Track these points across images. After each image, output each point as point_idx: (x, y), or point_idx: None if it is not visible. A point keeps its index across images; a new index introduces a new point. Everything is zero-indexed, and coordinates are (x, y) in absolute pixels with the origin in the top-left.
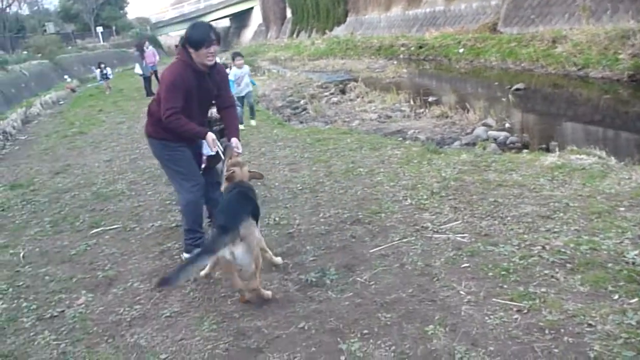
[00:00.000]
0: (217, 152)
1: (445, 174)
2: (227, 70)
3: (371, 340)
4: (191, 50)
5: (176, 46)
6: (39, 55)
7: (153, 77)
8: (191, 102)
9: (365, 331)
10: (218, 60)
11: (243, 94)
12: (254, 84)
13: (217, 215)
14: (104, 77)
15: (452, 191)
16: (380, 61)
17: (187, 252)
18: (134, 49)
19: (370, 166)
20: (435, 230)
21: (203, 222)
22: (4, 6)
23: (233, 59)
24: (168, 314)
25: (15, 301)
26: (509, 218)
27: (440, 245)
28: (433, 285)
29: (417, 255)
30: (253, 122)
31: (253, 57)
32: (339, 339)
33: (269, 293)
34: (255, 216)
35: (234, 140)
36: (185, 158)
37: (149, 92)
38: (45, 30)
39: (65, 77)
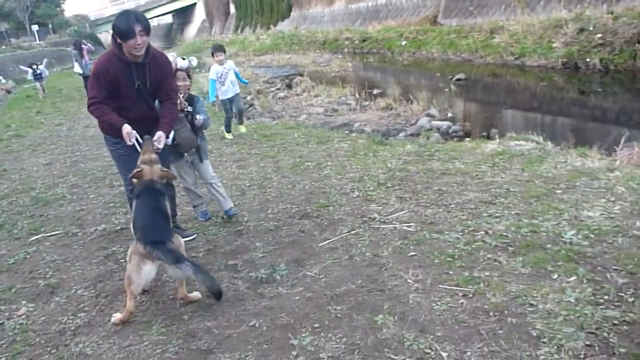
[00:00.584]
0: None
1: (391, 165)
2: (183, 63)
3: (322, 334)
4: (119, 41)
5: None
6: None
7: None
8: (119, 93)
9: (316, 325)
10: (171, 58)
11: (229, 96)
12: (244, 82)
13: (147, 230)
14: (38, 77)
15: (398, 181)
16: (325, 55)
17: None
18: (71, 47)
19: (318, 160)
20: (383, 220)
21: None
22: None
23: (212, 55)
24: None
25: None
26: (452, 205)
27: (387, 235)
28: (381, 275)
29: (366, 246)
30: (243, 129)
31: (198, 54)
32: (290, 335)
33: (197, 294)
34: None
35: (158, 133)
36: (121, 155)
37: None
38: None
39: (0, 77)
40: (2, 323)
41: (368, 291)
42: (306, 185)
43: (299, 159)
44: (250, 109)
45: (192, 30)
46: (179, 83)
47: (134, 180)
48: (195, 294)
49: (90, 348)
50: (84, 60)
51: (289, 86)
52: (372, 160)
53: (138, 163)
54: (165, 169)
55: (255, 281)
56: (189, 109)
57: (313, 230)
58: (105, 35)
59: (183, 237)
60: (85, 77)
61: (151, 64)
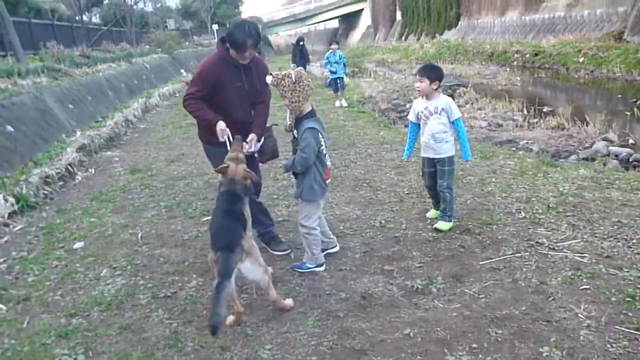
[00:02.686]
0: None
1: (563, 188)
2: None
3: (480, 355)
4: (231, 49)
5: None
6: (159, 49)
7: None
8: (223, 95)
9: (474, 345)
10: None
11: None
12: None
13: (216, 236)
14: None
15: (570, 207)
16: (491, 67)
17: None
18: None
19: (481, 175)
20: (552, 247)
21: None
22: (131, 3)
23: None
24: (272, 307)
25: (133, 278)
26: (634, 241)
27: (556, 264)
28: (548, 305)
29: (531, 271)
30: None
31: (360, 59)
32: (446, 350)
33: (289, 302)
34: (245, 225)
35: (251, 135)
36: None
37: None
38: (166, 27)
39: (182, 71)
40: (176, 292)
41: (533, 319)
42: (468, 199)
43: (461, 172)
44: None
45: (356, 35)
46: (283, 102)
47: (220, 175)
48: (289, 302)
49: (250, 329)
50: None
51: (451, 97)
52: (542, 181)
53: (225, 159)
54: (248, 170)
55: (411, 290)
56: (295, 133)
57: (474, 247)
58: (274, 37)
59: (277, 250)
60: None
61: (253, 68)
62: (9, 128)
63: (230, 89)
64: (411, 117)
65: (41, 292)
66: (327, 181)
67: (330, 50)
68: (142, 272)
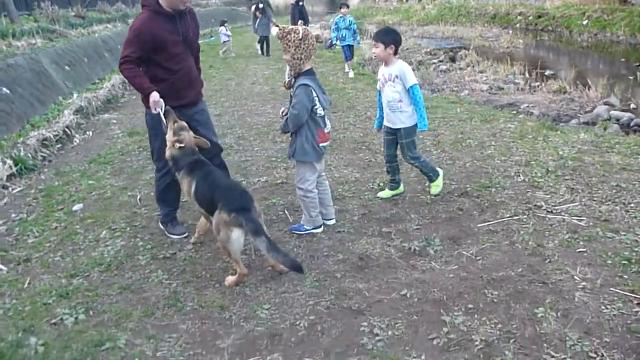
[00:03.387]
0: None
1: (563, 152)
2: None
3: (476, 316)
4: None
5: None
6: None
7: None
8: (166, 51)
9: (470, 306)
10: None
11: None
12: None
13: (228, 197)
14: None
15: (570, 171)
16: (494, 30)
17: (161, 222)
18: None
19: (481, 138)
20: (550, 210)
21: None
22: None
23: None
24: (271, 267)
25: (132, 240)
26: (632, 205)
27: (554, 227)
28: (544, 267)
29: (529, 234)
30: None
31: (360, 20)
32: (442, 310)
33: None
34: None
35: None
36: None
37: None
38: None
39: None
40: (175, 253)
41: (529, 281)
42: (467, 163)
43: (460, 135)
44: None
45: None
46: (284, 56)
47: (178, 147)
48: None
49: (249, 289)
50: (258, 21)
51: (452, 59)
52: (542, 145)
53: (174, 130)
54: (197, 136)
55: (408, 252)
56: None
57: (472, 210)
58: None
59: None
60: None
61: (189, 17)
62: (5, 90)
63: (173, 44)
64: (378, 84)
65: (41, 254)
66: (324, 144)
67: (340, 15)
68: (141, 233)
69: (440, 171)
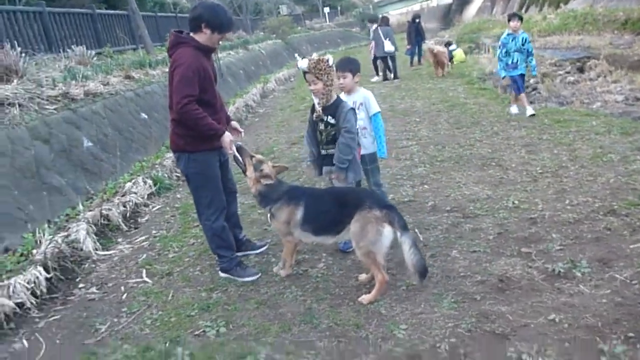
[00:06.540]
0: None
1: None
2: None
3: (638, 345)
4: (206, 31)
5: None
6: (274, 35)
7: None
8: (210, 88)
9: (631, 334)
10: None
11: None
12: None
13: (372, 197)
14: None
15: None
16: (626, 37)
17: (223, 270)
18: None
19: (623, 152)
20: None
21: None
22: None
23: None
24: (405, 287)
25: (265, 256)
26: None
27: None
28: None
29: None
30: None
31: (476, 34)
32: (597, 338)
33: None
34: None
35: (233, 123)
36: (214, 175)
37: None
38: (279, 12)
39: (296, 55)
40: (307, 270)
41: None
42: (610, 179)
43: (599, 150)
44: (533, 92)
45: (472, 10)
46: (310, 87)
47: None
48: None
49: (384, 308)
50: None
51: (580, 70)
52: None
53: (254, 164)
54: (276, 165)
55: (552, 274)
56: (330, 120)
57: (621, 230)
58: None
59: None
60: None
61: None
62: (144, 115)
63: (212, 82)
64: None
65: (182, 268)
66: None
67: (508, 32)
68: (272, 250)
69: None
